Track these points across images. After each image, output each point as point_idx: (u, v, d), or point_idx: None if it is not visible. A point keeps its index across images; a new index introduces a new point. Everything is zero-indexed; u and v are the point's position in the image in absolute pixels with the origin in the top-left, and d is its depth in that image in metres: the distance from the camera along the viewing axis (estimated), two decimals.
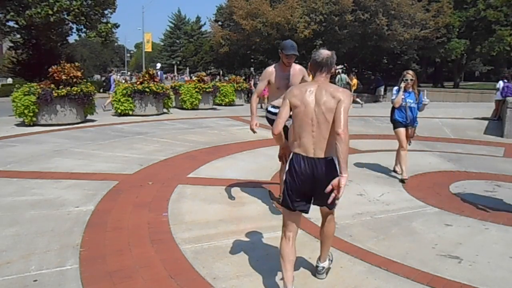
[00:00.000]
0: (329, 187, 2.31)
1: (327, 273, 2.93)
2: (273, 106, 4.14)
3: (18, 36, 25.75)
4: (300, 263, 3.06)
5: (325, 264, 2.91)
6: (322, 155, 2.44)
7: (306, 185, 2.48)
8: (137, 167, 5.86)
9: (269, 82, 4.16)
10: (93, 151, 6.89)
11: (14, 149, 6.99)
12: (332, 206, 2.56)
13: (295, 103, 2.52)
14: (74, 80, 10.17)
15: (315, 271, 2.93)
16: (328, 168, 2.43)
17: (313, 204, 2.60)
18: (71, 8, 22.40)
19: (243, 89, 18.17)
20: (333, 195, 2.30)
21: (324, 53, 2.57)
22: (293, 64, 4.15)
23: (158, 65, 21.01)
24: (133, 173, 5.53)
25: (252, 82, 20.30)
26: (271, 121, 4.10)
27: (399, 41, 22.59)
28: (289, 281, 2.53)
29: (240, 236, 3.56)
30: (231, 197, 4.64)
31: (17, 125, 9.85)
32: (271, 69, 4.17)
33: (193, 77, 22.05)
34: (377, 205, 4.46)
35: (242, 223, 3.89)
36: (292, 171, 2.50)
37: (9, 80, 29.51)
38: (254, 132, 4.21)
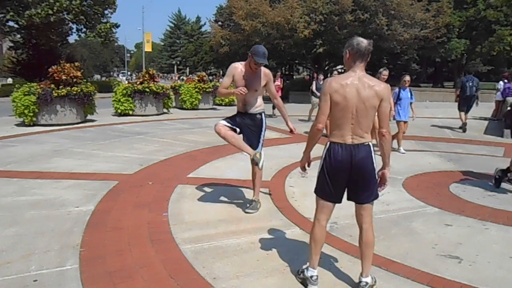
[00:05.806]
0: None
1: None
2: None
3: (18, 36, 25.73)
4: (300, 264, 3.06)
5: (368, 279, 2.61)
6: (359, 142, 2.50)
7: (343, 172, 2.51)
8: (137, 167, 5.86)
9: (233, 79, 4.01)
10: (93, 151, 6.90)
11: (14, 149, 6.99)
12: (368, 198, 2.59)
13: (337, 99, 2.46)
14: (74, 80, 10.19)
15: (357, 287, 2.64)
16: (364, 152, 2.50)
17: (348, 199, 2.65)
18: (71, 8, 22.39)
19: None
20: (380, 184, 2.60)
21: (366, 42, 2.54)
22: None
23: None
24: (133, 173, 5.53)
25: None
26: (233, 124, 4.01)
27: (399, 41, 22.52)
28: (316, 264, 2.67)
29: (240, 236, 3.56)
30: (231, 197, 4.64)
31: (17, 125, 9.86)
32: (237, 65, 4.01)
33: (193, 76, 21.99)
34: (377, 205, 4.40)
35: (242, 223, 3.89)
36: (331, 158, 2.52)
37: (9, 80, 29.48)
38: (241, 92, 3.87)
